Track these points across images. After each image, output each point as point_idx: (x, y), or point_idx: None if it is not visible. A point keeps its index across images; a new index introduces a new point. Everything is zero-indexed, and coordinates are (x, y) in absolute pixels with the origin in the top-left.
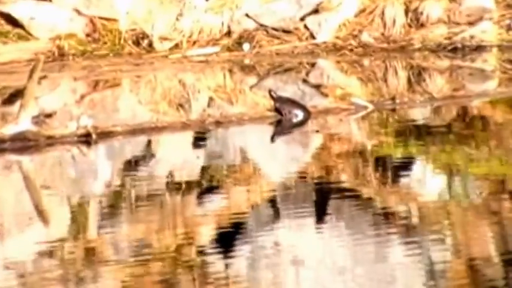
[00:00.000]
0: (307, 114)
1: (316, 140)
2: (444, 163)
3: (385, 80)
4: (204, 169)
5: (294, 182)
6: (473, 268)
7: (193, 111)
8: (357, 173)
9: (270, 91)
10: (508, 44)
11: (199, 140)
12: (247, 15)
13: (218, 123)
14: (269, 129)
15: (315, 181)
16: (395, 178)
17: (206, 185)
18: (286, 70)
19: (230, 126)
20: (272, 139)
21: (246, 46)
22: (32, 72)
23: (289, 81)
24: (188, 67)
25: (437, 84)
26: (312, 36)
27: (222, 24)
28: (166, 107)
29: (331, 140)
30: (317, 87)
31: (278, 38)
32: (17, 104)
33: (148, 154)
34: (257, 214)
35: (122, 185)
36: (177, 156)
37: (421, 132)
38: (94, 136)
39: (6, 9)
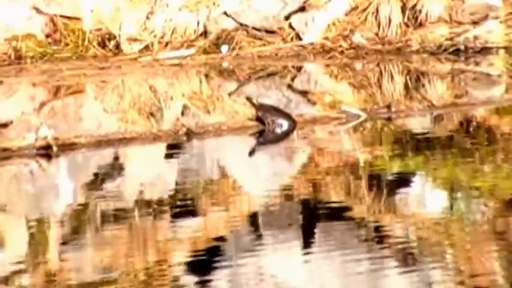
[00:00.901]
0: (293, 124)
1: (303, 153)
2: (446, 178)
3: (380, 86)
4: (177, 186)
5: (278, 201)
6: None
7: (165, 121)
8: (348, 190)
9: (251, 98)
10: None
11: (172, 153)
12: (225, 13)
13: (193, 134)
14: (250, 141)
15: (301, 200)
16: (391, 196)
17: (180, 205)
18: (270, 75)
19: (207, 138)
20: (253, 152)
21: (224, 48)
22: None
23: (273, 87)
24: (160, 71)
25: (437, 90)
26: (298, 37)
27: (198, 23)
28: (136, 116)
29: (319, 153)
30: (304, 93)
31: (260, 39)
32: None
33: (115, 169)
34: (237, 237)
35: (86, 204)
36: (147, 172)
37: (420, 144)
38: (55, 149)
39: None
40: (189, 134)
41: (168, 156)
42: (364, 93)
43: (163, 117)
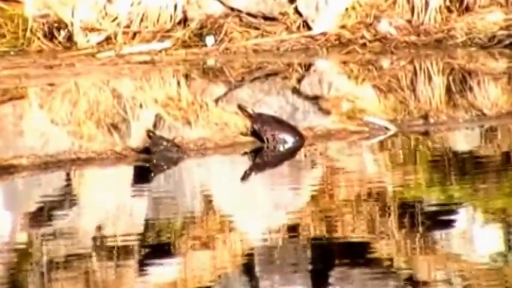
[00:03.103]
0: (300, 140)
1: (313, 178)
2: (500, 212)
3: (413, 90)
4: (148, 222)
5: (281, 241)
6: None
7: (132, 136)
8: (371, 227)
9: (244, 107)
10: None
11: (141, 178)
12: None
13: (169, 153)
14: (244, 162)
15: (312, 238)
16: (429, 234)
17: (151, 246)
18: (269, 75)
19: (187, 158)
20: (247, 176)
21: (209, 40)
22: None
23: (273, 91)
24: (125, 71)
25: (489, 95)
26: (307, 26)
27: (175, 7)
28: (94, 130)
29: (334, 177)
30: (314, 100)
31: (257, 28)
32: None
33: (66, 199)
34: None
35: (29, 245)
36: (108, 202)
37: (466, 166)
38: None
39: None
40: (169, 152)
41: (137, 182)
42: (394, 99)
43: (130, 132)
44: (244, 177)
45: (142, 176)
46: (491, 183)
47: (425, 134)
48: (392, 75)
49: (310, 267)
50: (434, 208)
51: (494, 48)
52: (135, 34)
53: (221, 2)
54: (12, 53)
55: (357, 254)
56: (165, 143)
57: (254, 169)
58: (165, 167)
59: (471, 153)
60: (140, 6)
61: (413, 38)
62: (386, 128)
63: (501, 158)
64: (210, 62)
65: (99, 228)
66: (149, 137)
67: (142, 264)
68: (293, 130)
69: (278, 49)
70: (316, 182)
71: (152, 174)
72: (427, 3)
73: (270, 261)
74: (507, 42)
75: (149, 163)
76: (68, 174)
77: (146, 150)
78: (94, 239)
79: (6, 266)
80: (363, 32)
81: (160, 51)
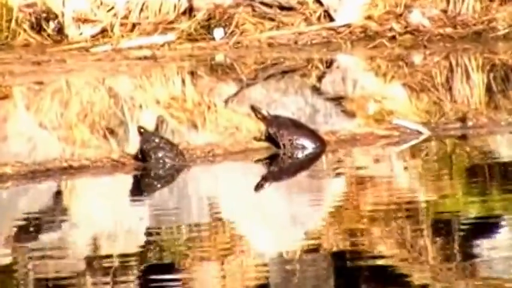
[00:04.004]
0: (321, 145)
1: (336, 189)
2: None
3: (449, 89)
4: (150, 238)
5: (299, 263)
6: None
7: (131, 142)
8: (402, 245)
9: (258, 108)
10: None
11: (141, 189)
12: None
13: (173, 160)
14: (257, 171)
15: (334, 260)
16: (468, 253)
17: (151, 267)
18: (286, 72)
19: (193, 166)
20: (261, 187)
21: (218, 32)
22: None
23: (291, 90)
24: (123, 67)
25: None
26: (329, 16)
27: None
28: (87, 134)
29: (360, 188)
30: (337, 100)
31: (271, 19)
32: None
33: (56, 212)
34: None
35: (14, 263)
36: (104, 216)
37: (509, 174)
38: None
39: None
40: (173, 159)
41: (135, 193)
42: (427, 99)
43: (128, 136)
44: (258, 188)
45: (141, 186)
46: None
47: (463, 138)
48: (426, 72)
49: None
50: (474, 224)
51: None
52: (134, 26)
53: None
54: None
55: (387, 279)
56: (157, 140)
57: (269, 179)
58: (165, 176)
59: None
60: None
61: (448, 30)
62: (419, 132)
63: None
64: (219, 57)
65: (92, 246)
66: (140, 133)
67: (143, 285)
68: (313, 134)
69: (296, 43)
70: (339, 195)
71: (153, 185)
72: None
73: (287, 282)
74: None
75: (147, 172)
76: (58, 185)
77: (144, 157)
78: (87, 258)
79: None
80: (391, 23)
81: (162, 45)
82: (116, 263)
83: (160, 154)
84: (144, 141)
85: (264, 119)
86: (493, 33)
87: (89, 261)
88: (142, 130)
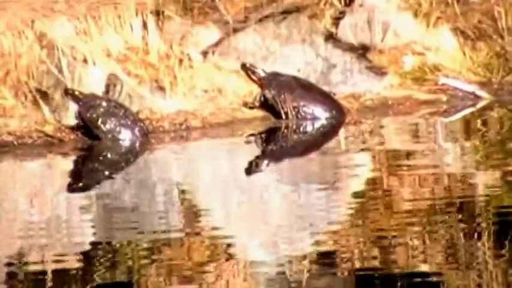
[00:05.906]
0: (338, 114)
1: (359, 176)
2: None
3: None
4: (96, 244)
5: (307, 275)
6: None
7: (71, 110)
8: (447, 252)
9: (250, 65)
10: None
11: (86, 175)
12: None
13: (131, 134)
14: (249, 150)
15: (355, 271)
16: None
17: (101, 285)
18: (287, 12)
19: (160, 143)
20: (254, 171)
21: None
22: None
23: (295, 38)
24: (60, 5)
25: None
26: None
27: None
28: (10, 100)
29: (391, 175)
30: (360, 52)
31: None
32: None
33: None
34: None
35: None
36: (34, 212)
37: None
38: None
39: None
40: (144, 133)
41: (78, 180)
42: (486, 50)
43: (68, 103)
44: (250, 172)
45: (84, 176)
46: None
47: None
48: (485, 12)
49: None
50: None
51: None
52: None
53: None
54: None
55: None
56: (104, 104)
57: (265, 160)
58: (118, 161)
59: None
60: None
61: None
62: (475, 95)
63: None
64: None
65: (17, 250)
66: (72, 96)
67: None
68: (327, 100)
69: None
70: (362, 184)
71: (101, 174)
72: None
73: None
74: None
75: (93, 153)
76: None
77: (88, 131)
78: (8, 265)
79: None
80: None
81: None
82: (46, 274)
83: (110, 124)
84: (84, 107)
85: (258, 78)
86: None
87: (9, 269)
88: (73, 92)
